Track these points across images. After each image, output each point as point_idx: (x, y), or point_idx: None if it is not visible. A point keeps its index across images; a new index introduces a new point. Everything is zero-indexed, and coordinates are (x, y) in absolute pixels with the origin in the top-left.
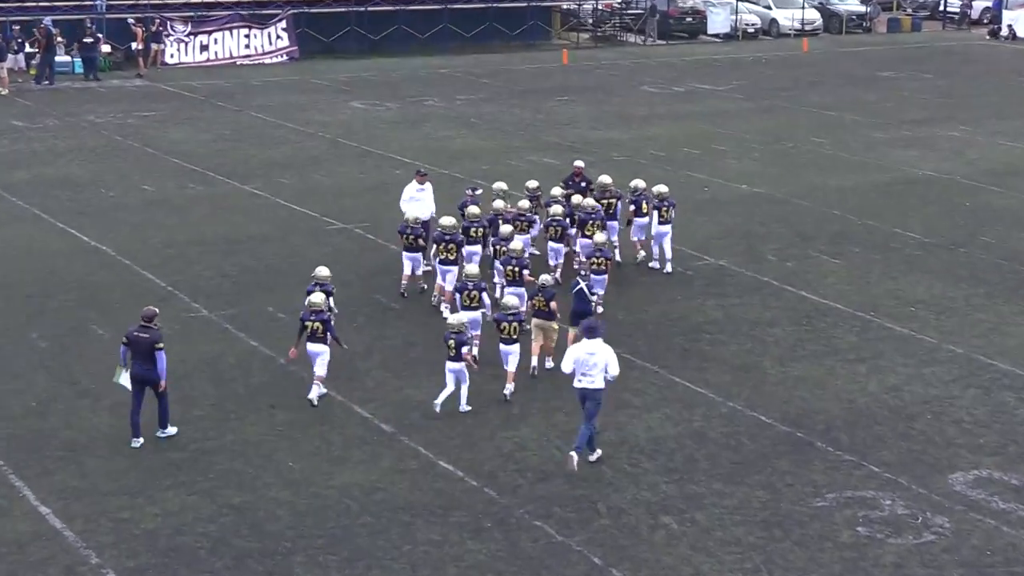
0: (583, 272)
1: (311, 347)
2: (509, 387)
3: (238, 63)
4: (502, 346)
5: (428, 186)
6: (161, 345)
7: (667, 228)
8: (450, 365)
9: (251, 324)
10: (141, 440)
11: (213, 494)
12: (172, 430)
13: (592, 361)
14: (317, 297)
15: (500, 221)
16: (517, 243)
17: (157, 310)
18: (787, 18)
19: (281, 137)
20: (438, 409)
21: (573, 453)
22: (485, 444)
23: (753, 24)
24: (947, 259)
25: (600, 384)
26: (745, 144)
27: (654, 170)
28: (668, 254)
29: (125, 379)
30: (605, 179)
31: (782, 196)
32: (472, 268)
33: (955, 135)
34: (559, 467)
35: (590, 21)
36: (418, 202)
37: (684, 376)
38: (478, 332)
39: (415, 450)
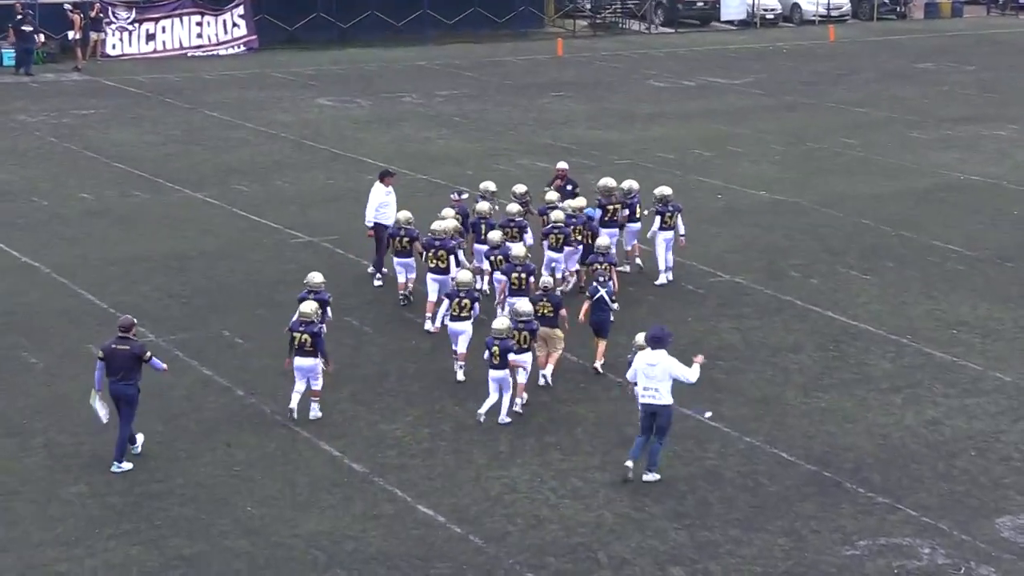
0: (603, 278)
1: (299, 361)
2: (518, 400)
3: (189, 55)
4: (512, 356)
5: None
6: (149, 354)
7: (669, 235)
8: (493, 373)
9: (204, 351)
10: (129, 465)
11: (160, 544)
12: (127, 465)
13: (652, 373)
14: (308, 307)
15: (484, 226)
16: (519, 248)
17: (134, 319)
18: (811, 3)
19: (238, 139)
20: (482, 419)
21: (631, 464)
22: (470, 486)
23: (772, 9)
24: (993, 275)
25: (668, 399)
26: (764, 146)
27: (661, 175)
28: (669, 262)
29: (101, 406)
30: (608, 182)
31: (806, 204)
32: (464, 275)
33: (1002, 135)
34: (553, 511)
35: (588, 6)
36: (387, 208)
37: (691, 407)
38: (464, 350)
39: (391, 493)
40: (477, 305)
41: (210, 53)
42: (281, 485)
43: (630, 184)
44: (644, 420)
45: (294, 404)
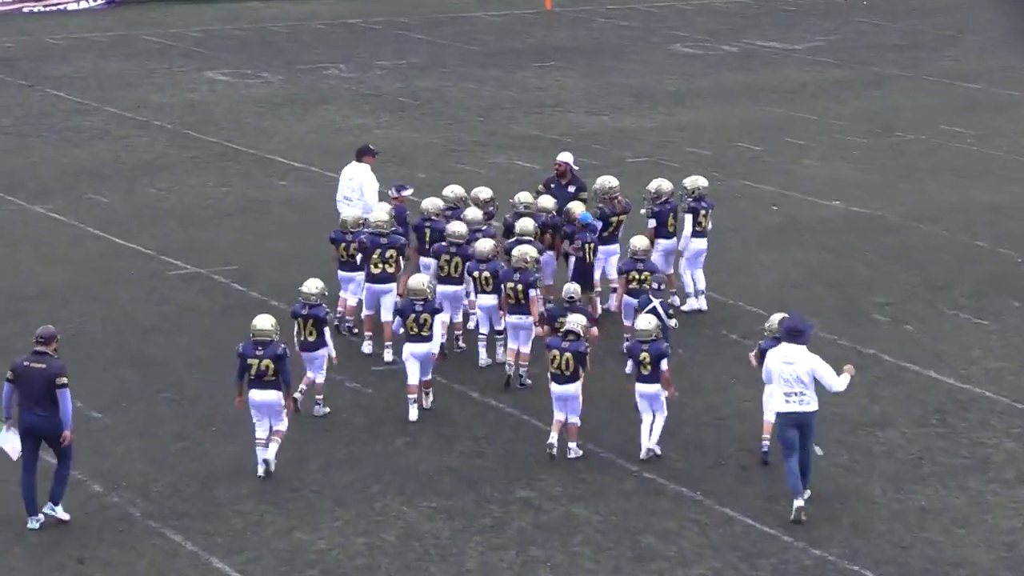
0: (660, 286)
1: (257, 395)
2: (573, 444)
3: (25, 10)
4: (554, 387)
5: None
6: (65, 380)
7: (703, 243)
8: (641, 388)
9: None
10: (41, 518)
11: None
12: (64, 514)
13: (792, 373)
14: (264, 321)
15: (429, 230)
16: (486, 243)
17: (55, 328)
18: None
19: (94, 129)
20: (657, 451)
21: (798, 501)
22: None
23: None
24: None
25: (815, 406)
26: (837, 136)
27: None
28: (701, 283)
29: (9, 438)
30: (608, 182)
31: (896, 219)
32: (418, 281)
33: None
34: None
35: None
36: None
37: (743, 508)
38: (429, 376)
39: None
40: (438, 323)
41: (55, 8)
42: None
43: (659, 185)
44: (787, 433)
45: (263, 456)
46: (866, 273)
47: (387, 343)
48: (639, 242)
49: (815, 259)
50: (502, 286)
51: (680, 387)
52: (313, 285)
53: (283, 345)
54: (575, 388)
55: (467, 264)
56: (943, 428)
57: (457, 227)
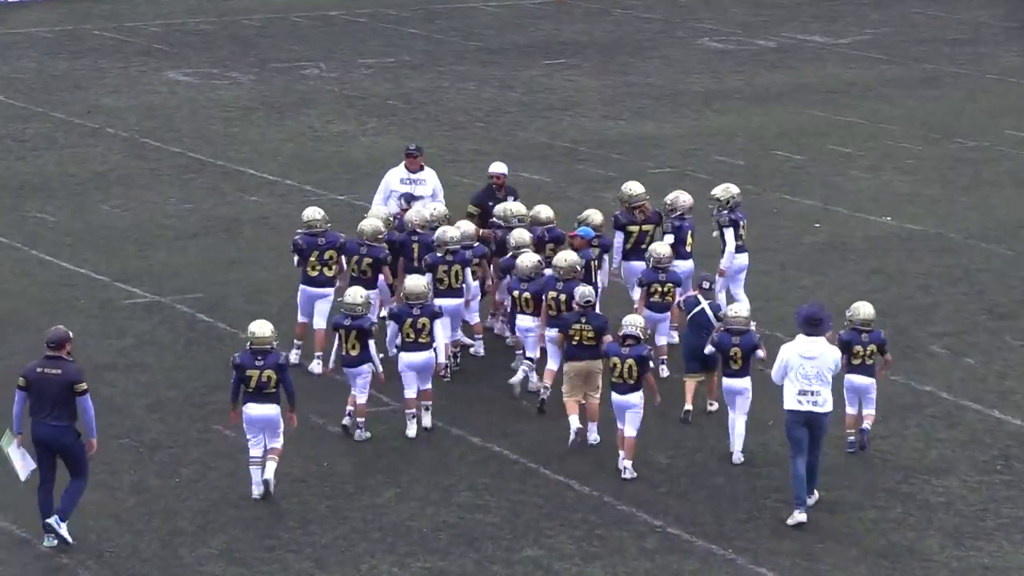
0: (709, 285)
1: (254, 410)
2: (627, 463)
3: None
4: (615, 396)
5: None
6: (85, 386)
7: (746, 259)
8: (729, 383)
9: None
10: (55, 541)
11: None
12: (67, 535)
13: (813, 369)
14: (263, 328)
15: (417, 245)
16: (531, 258)
17: (68, 331)
18: None
19: (39, 137)
20: (740, 459)
21: (800, 515)
22: None
23: None
24: None
25: (830, 407)
26: (888, 143)
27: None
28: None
29: (20, 454)
30: (633, 188)
31: (956, 237)
32: (418, 283)
33: None
34: None
35: None
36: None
37: (781, 568)
38: (429, 386)
39: None
40: (438, 327)
41: None
42: None
43: (676, 196)
44: (796, 433)
45: (260, 478)
46: (921, 300)
47: (317, 353)
48: (661, 249)
49: (863, 284)
50: (542, 296)
51: (710, 430)
52: (357, 294)
53: (284, 354)
54: (638, 398)
55: (508, 283)
56: (1009, 475)
57: (449, 232)
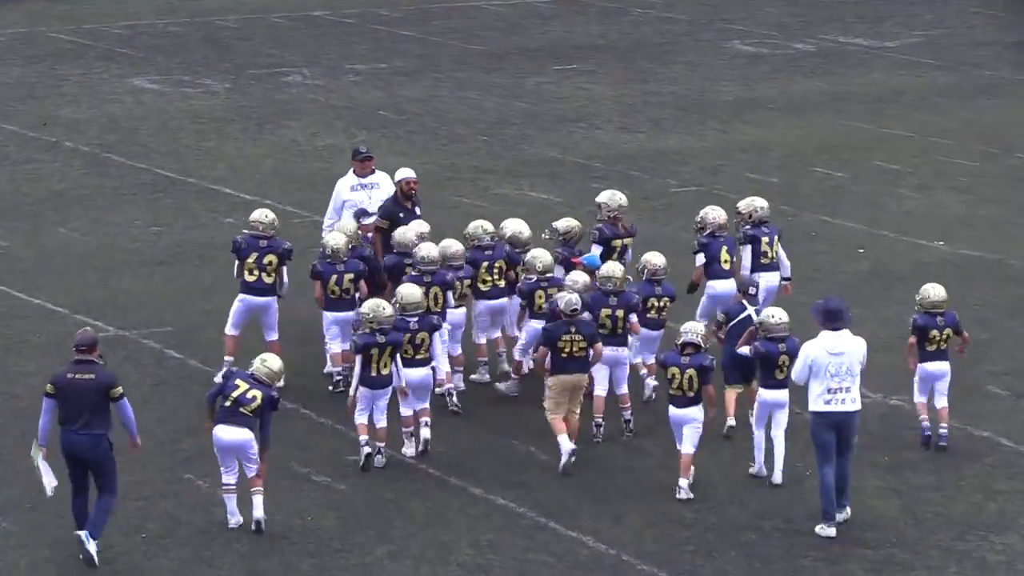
0: (752, 290)
1: (225, 433)
2: (684, 482)
3: None
4: (673, 410)
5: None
6: (121, 390)
7: (774, 278)
8: (769, 395)
9: None
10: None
11: None
12: (95, 552)
13: (842, 365)
14: (275, 361)
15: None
16: (545, 256)
17: (94, 333)
18: None
19: None
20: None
21: (829, 528)
22: None
23: None
24: None
25: (859, 404)
26: (940, 159)
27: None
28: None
29: (46, 468)
30: (616, 198)
31: (1017, 264)
32: (414, 291)
33: None
34: None
35: None
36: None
37: None
38: (426, 404)
39: None
40: (437, 341)
41: None
42: None
43: (706, 213)
44: (824, 437)
45: (235, 507)
46: (979, 335)
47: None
48: (655, 258)
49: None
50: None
51: (741, 481)
52: (380, 308)
53: (278, 395)
54: (699, 411)
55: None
56: None
57: (428, 250)
